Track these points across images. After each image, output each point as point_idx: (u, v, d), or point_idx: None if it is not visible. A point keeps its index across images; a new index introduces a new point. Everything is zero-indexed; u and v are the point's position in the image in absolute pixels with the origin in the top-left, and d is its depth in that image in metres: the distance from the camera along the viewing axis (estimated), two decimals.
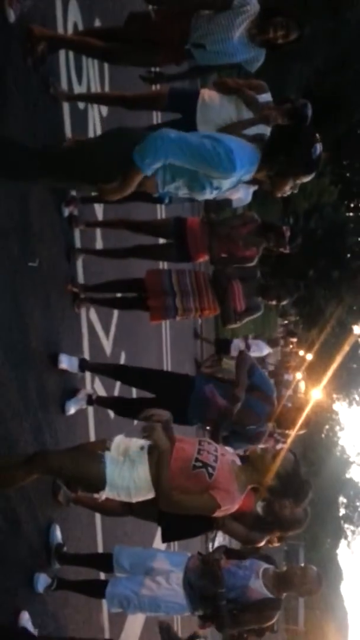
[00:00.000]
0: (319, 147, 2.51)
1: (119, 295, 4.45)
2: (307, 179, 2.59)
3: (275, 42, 3.30)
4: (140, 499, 2.58)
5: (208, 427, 4.05)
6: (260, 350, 9.97)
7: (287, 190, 2.59)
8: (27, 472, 2.53)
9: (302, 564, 3.62)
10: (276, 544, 3.68)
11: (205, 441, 2.76)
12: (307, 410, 4.01)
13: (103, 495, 2.56)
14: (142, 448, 2.56)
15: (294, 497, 2.78)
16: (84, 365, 3.86)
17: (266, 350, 10.39)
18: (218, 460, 2.65)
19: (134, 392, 4.90)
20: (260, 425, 3.79)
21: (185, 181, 2.47)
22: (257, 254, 4.29)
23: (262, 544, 3.56)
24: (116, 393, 4.77)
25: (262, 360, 10.49)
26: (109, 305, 4.55)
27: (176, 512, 2.69)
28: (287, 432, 4.03)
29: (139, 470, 2.51)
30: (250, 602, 3.27)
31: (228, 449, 2.90)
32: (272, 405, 3.83)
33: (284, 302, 4.67)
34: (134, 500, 2.61)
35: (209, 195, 2.53)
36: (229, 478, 2.62)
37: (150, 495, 2.55)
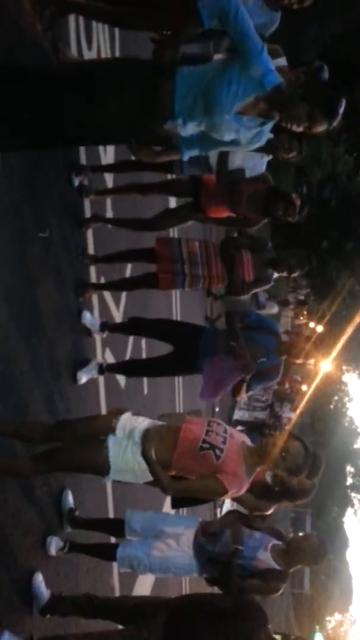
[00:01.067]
0: (343, 103, 2.49)
1: (124, 277, 4.58)
2: (321, 127, 2.50)
3: (290, 7, 3.20)
4: (148, 480, 2.59)
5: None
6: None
7: (296, 126, 2.49)
8: (34, 471, 2.66)
9: (306, 532, 3.69)
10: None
11: (215, 422, 2.75)
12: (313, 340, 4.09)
13: (108, 481, 2.62)
14: (147, 431, 2.56)
15: (306, 475, 2.87)
16: (104, 325, 4.15)
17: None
18: (227, 442, 2.64)
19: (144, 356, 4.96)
20: (271, 358, 3.92)
21: (204, 89, 2.39)
22: (259, 222, 4.17)
23: (269, 512, 3.62)
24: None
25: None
26: (115, 289, 4.57)
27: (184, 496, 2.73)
28: (298, 362, 4.19)
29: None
30: (258, 570, 3.34)
31: (242, 435, 2.89)
32: (277, 336, 4.04)
33: (295, 274, 4.58)
34: (141, 482, 2.64)
35: (225, 101, 2.40)
36: (236, 461, 2.62)
37: None
